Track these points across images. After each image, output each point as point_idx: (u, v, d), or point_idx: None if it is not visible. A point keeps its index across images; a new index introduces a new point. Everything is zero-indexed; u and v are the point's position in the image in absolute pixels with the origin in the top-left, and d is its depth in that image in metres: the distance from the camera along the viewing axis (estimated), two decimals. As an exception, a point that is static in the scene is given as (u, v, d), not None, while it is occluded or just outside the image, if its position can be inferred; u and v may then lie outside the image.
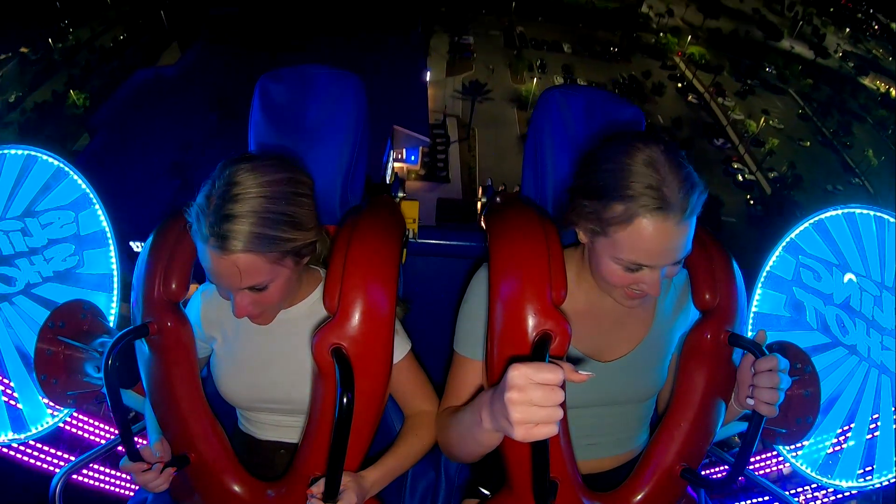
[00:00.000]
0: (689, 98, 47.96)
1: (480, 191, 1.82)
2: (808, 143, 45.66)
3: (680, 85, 49.75)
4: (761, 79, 55.48)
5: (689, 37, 59.16)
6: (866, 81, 63.46)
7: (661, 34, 58.01)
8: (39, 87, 42.83)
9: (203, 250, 1.18)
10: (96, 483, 2.44)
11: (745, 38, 64.38)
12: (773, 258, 1.80)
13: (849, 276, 1.68)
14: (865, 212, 1.67)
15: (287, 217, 1.19)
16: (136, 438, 1.34)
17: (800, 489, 2.03)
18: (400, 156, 27.11)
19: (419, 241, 2.06)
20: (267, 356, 1.44)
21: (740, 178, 37.90)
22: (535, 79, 43.36)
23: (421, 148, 27.96)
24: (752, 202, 35.85)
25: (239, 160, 1.20)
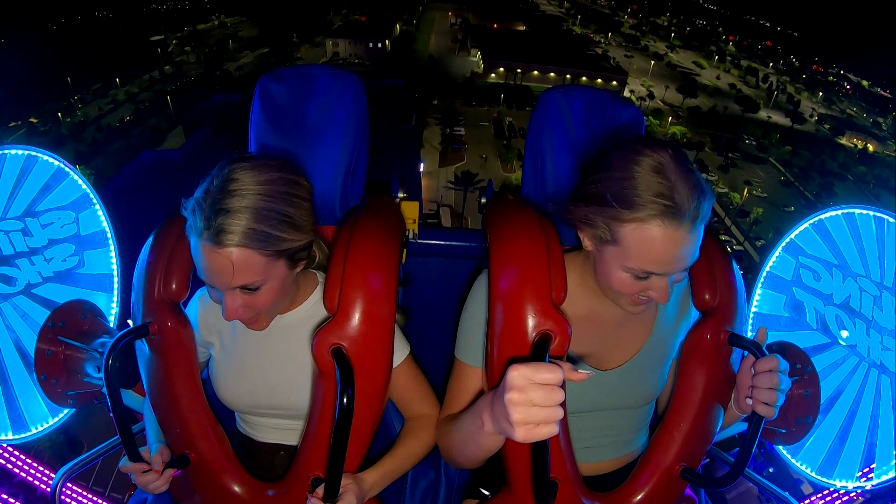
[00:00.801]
0: None
1: (480, 192, 1.82)
2: (792, 209, 47.22)
3: None
4: (742, 150, 58.16)
5: (671, 118, 61.50)
6: (843, 140, 67.05)
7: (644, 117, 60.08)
8: None
9: (196, 245, 1.17)
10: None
11: (724, 114, 67.45)
12: (773, 258, 1.79)
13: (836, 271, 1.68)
14: (865, 212, 1.66)
15: (284, 216, 1.18)
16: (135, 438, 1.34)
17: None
18: None
19: (419, 241, 2.06)
20: (265, 361, 1.43)
21: (728, 249, 38.88)
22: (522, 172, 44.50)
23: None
24: (742, 273, 36.93)
25: (238, 159, 1.20)
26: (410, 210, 1.91)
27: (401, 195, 1.87)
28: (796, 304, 1.75)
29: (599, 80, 68.73)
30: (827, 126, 71.25)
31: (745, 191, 47.36)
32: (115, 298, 1.74)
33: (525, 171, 1.70)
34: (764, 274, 1.81)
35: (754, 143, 60.01)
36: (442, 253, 2.12)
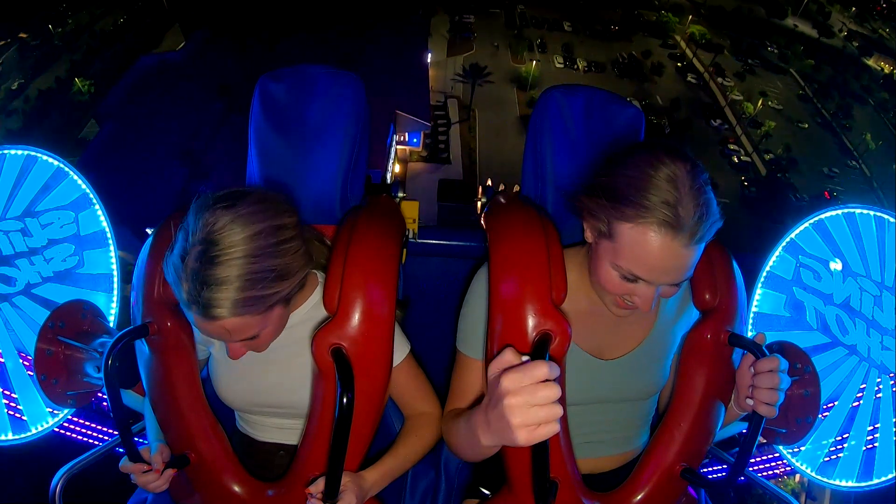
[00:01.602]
0: (689, 78, 47.53)
1: (480, 191, 1.82)
2: (807, 125, 45.38)
3: (680, 65, 49.29)
4: (762, 58, 54.86)
5: (691, 16, 58.47)
6: (870, 62, 62.58)
7: (662, 12, 57.28)
8: (42, 74, 42.55)
9: (190, 316, 1.15)
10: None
11: (748, 16, 63.49)
12: (773, 258, 1.79)
13: (834, 266, 1.68)
14: (865, 212, 1.67)
15: (273, 272, 1.14)
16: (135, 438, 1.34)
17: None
18: (403, 138, 27.60)
19: (419, 241, 2.06)
20: (265, 361, 1.43)
21: (736, 159, 37.74)
22: (535, 61, 43.13)
23: (423, 131, 28.58)
24: (746, 184, 35.72)
25: (215, 207, 1.11)
26: (410, 210, 1.92)
27: (401, 195, 1.87)
28: (796, 304, 1.75)
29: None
30: (855, 43, 66.74)
31: (760, 102, 45.19)
32: (115, 298, 1.74)
33: (525, 170, 1.70)
34: (764, 274, 1.81)
35: (776, 51, 56.92)
36: (442, 253, 2.12)
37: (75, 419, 2.36)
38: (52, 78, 41.33)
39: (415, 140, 28.78)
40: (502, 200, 1.54)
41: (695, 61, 50.25)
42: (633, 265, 1.16)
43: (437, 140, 32.73)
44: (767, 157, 39.39)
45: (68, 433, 2.33)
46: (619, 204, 1.14)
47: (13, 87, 40.29)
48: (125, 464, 1.30)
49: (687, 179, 1.11)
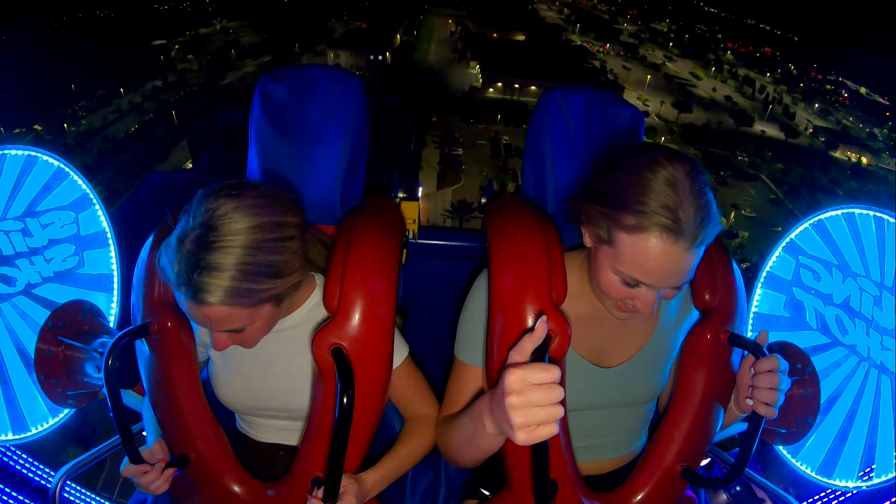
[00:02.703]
0: None
1: (480, 191, 1.81)
2: (780, 228, 47.30)
3: None
4: (734, 167, 58.51)
5: (663, 138, 61.59)
6: (837, 153, 67.10)
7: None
8: None
9: (181, 301, 1.13)
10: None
11: (718, 129, 67.92)
12: (773, 258, 1.80)
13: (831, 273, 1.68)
14: (865, 212, 1.67)
15: (268, 267, 1.13)
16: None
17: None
18: None
19: (419, 241, 2.06)
20: (264, 363, 1.43)
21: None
22: None
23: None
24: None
25: (220, 194, 1.11)
26: (410, 210, 1.91)
27: (401, 195, 1.87)
28: (796, 304, 1.75)
29: (597, 97, 68.98)
30: (822, 139, 71.63)
31: (732, 215, 47.89)
32: (115, 298, 1.74)
33: (525, 170, 1.70)
34: (764, 274, 1.81)
35: (746, 159, 60.39)
36: (442, 253, 2.12)
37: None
38: None
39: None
40: (502, 201, 1.54)
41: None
42: (634, 271, 1.15)
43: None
44: (744, 265, 40.57)
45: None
46: (618, 210, 1.13)
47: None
48: (126, 467, 1.29)
49: (686, 182, 1.09)
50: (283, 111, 1.59)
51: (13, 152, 1.62)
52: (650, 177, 1.10)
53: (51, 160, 1.66)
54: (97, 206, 1.73)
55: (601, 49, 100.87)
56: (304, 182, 1.56)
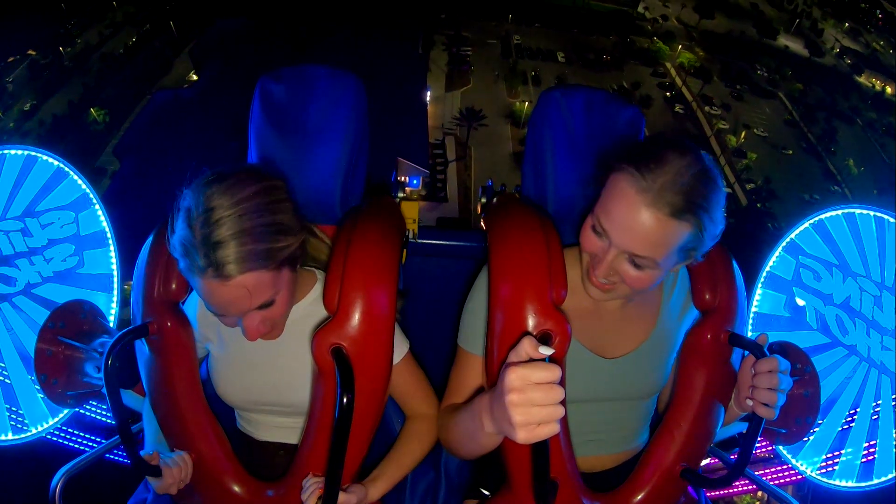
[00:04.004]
0: (677, 108, 48.21)
1: (480, 191, 1.82)
2: (791, 152, 46.20)
3: (668, 94, 49.91)
4: (752, 83, 55.54)
5: (680, 46, 59.22)
6: (861, 79, 62.86)
7: (654, 38, 58.36)
8: (53, 96, 42.84)
9: (202, 285, 1.15)
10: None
11: (740, 38, 64.18)
12: (773, 258, 1.80)
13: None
14: (865, 212, 1.67)
15: (272, 227, 1.18)
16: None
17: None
18: (403, 181, 28.97)
19: (419, 241, 2.06)
20: (263, 358, 1.44)
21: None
22: (527, 102, 44.19)
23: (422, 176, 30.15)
24: (725, 215, 37.60)
25: (208, 183, 1.17)
26: (410, 210, 1.91)
27: (401, 195, 1.87)
28: (796, 305, 1.75)
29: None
30: (847, 61, 67.24)
31: (743, 133, 46.39)
32: (115, 298, 1.74)
33: (525, 170, 1.70)
34: (764, 274, 1.81)
35: (766, 75, 57.57)
36: (442, 253, 2.12)
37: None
38: (64, 101, 41.47)
39: (415, 182, 29.91)
40: (502, 201, 1.54)
41: (684, 90, 50.92)
42: (600, 211, 1.18)
43: (435, 179, 33.81)
44: (749, 186, 40.26)
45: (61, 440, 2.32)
46: (615, 158, 1.17)
47: (25, 108, 40.47)
48: (155, 483, 1.31)
49: (691, 161, 1.12)
50: (282, 111, 1.58)
51: (13, 152, 1.62)
52: (664, 147, 1.14)
53: (51, 160, 1.67)
54: (97, 206, 1.73)
55: None
56: (304, 182, 1.56)
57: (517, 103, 43.81)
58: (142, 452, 1.32)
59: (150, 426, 1.46)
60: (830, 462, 1.66)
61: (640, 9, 67.00)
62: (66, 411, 1.65)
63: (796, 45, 67.98)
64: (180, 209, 1.16)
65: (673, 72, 54.45)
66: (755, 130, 47.76)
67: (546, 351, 0.94)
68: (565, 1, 62.75)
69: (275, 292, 1.22)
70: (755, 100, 53.47)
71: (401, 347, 1.44)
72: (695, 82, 52.23)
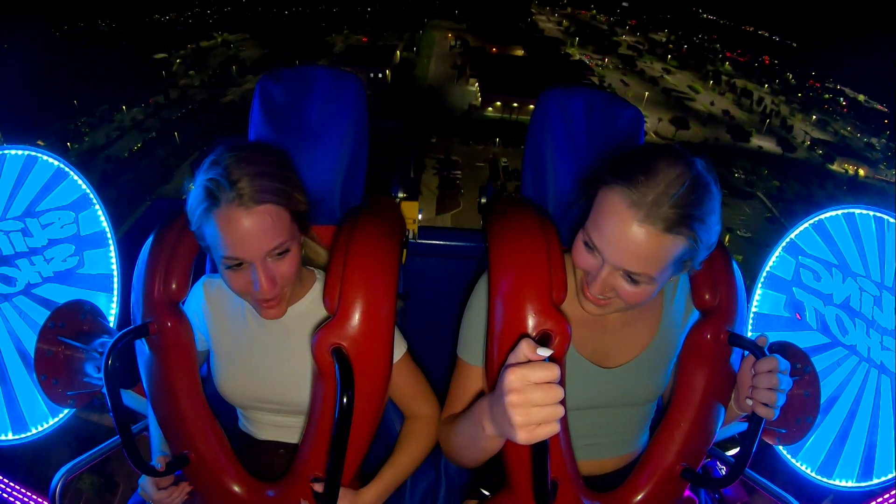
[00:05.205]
0: None
1: (480, 191, 1.82)
2: None
3: None
4: (730, 186, 57.76)
5: None
6: (834, 166, 66.52)
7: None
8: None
9: (224, 218, 1.18)
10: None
11: (715, 144, 67.86)
12: (773, 258, 1.80)
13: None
14: (865, 212, 1.67)
15: (286, 178, 1.24)
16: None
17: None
18: None
19: (419, 241, 2.06)
20: (266, 356, 1.44)
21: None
22: None
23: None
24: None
25: (235, 144, 1.25)
26: (410, 210, 1.92)
27: (401, 195, 1.87)
28: (796, 305, 1.75)
29: (595, 116, 69.47)
30: (819, 152, 71.58)
31: (727, 238, 46.85)
32: (115, 298, 1.74)
33: (525, 171, 1.70)
34: (764, 274, 1.81)
35: (743, 177, 60.28)
36: (442, 253, 2.12)
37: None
38: None
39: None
40: (502, 200, 1.54)
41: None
42: (591, 228, 1.16)
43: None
44: None
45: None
46: (603, 172, 1.15)
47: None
48: (143, 488, 1.36)
49: (682, 171, 1.09)
50: (283, 111, 1.59)
51: (13, 152, 1.62)
52: (654, 156, 1.12)
53: (51, 160, 1.67)
54: (97, 206, 1.73)
55: (600, 62, 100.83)
56: (304, 182, 1.55)
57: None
58: (153, 462, 1.35)
59: (155, 431, 1.46)
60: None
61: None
62: (66, 411, 1.65)
63: (769, 144, 72.22)
64: (203, 164, 1.23)
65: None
66: (738, 232, 49.42)
67: (545, 353, 0.94)
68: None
69: (290, 239, 1.25)
70: (735, 202, 55.58)
71: (399, 347, 1.44)
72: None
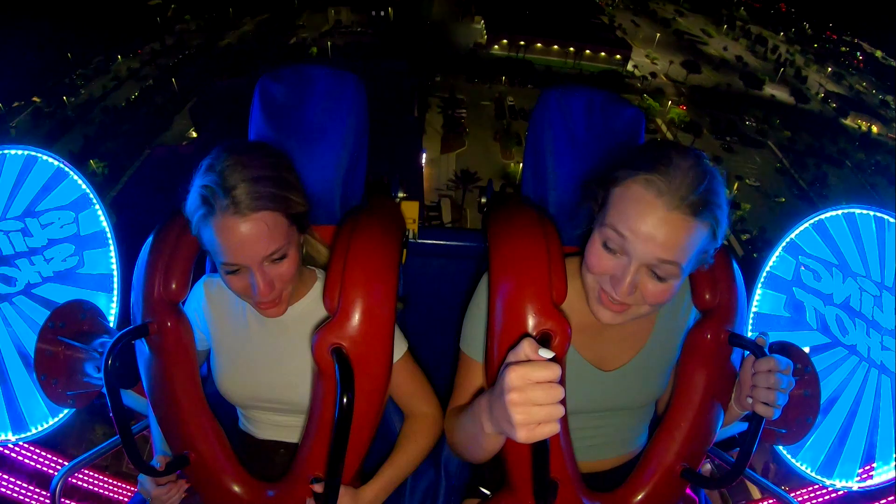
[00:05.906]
0: None
1: (480, 191, 1.82)
2: (784, 199, 47.21)
3: None
4: (741, 134, 57.23)
5: (670, 102, 60.85)
6: (847, 122, 65.13)
7: (644, 96, 59.85)
8: (55, 143, 43.70)
9: (220, 225, 1.18)
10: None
11: (727, 91, 66.64)
12: (773, 258, 1.80)
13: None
14: (865, 212, 1.67)
15: (283, 181, 1.25)
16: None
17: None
18: None
19: (419, 241, 2.05)
20: (267, 355, 1.44)
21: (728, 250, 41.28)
22: (521, 163, 45.10)
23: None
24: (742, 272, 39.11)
25: (232, 146, 1.25)
26: (410, 210, 1.91)
27: (401, 195, 1.87)
28: (796, 304, 1.75)
29: (603, 54, 68.97)
30: (832, 105, 69.93)
31: (735, 186, 47.21)
32: (115, 298, 1.74)
33: (525, 171, 1.70)
34: (764, 274, 1.81)
35: (754, 125, 59.12)
36: (442, 253, 2.12)
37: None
38: (65, 150, 42.13)
39: (409, 242, 30.81)
40: (502, 201, 1.54)
41: (673, 147, 54.34)
42: (617, 223, 1.12)
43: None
44: (744, 237, 40.70)
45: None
46: (615, 169, 1.15)
47: (27, 156, 42.29)
48: (143, 485, 1.37)
49: (694, 162, 1.09)
50: (282, 111, 1.58)
51: (13, 152, 1.62)
52: (659, 147, 1.13)
53: (51, 160, 1.66)
54: (97, 206, 1.73)
55: (610, 1, 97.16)
56: (304, 182, 1.55)
57: (511, 164, 44.66)
58: (154, 461, 1.35)
59: (157, 432, 1.46)
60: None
61: (630, 67, 69.62)
62: (66, 411, 1.65)
63: (782, 94, 70.94)
64: (200, 167, 1.24)
65: (664, 127, 56.10)
66: (747, 181, 49.08)
67: (546, 354, 0.94)
68: (557, 63, 64.94)
69: (287, 244, 1.25)
70: (746, 150, 55.03)
71: (399, 347, 1.44)
72: (686, 136, 53.29)
